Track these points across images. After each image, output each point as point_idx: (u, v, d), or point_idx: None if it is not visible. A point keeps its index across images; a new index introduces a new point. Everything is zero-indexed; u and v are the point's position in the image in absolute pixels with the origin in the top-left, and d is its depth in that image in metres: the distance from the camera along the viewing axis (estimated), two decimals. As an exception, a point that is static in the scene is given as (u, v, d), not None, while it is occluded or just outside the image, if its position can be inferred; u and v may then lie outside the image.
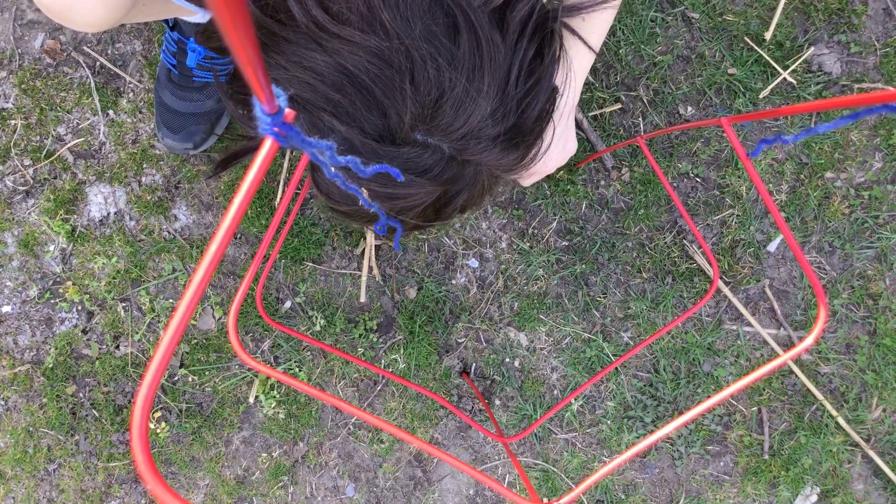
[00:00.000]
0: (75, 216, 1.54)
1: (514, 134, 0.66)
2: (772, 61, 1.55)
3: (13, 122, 1.51)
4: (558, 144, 1.00)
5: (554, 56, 0.68)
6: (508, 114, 0.65)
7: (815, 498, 1.66)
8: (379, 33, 0.58)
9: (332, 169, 0.54)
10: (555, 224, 1.59)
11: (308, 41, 0.59)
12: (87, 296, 1.55)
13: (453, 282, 1.59)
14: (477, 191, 0.71)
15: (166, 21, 1.34)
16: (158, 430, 1.57)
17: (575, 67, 0.95)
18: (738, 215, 1.59)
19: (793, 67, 1.55)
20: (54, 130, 1.51)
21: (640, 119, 1.56)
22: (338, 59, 0.59)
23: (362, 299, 1.58)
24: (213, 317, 1.57)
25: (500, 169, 0.70)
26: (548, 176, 1.56)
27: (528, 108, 0.66)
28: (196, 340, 1.57)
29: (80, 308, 1.56)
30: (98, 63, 1.51)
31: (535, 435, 1.63)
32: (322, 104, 0.61)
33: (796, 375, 1.63)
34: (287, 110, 0.40)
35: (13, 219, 1.53)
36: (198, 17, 1.31)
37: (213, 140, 1.49)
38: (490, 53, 0.62)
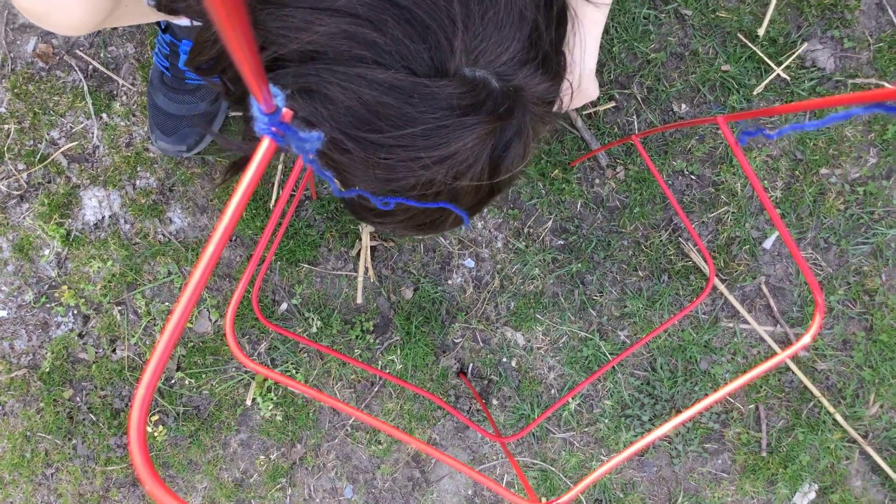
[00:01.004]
0: (70, 220, 1.53)
1: (547, 62, 0.64)
2: (765, 58, 1.55)
3: (6, 126, 1.50)
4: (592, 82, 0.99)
5: None
6: (540, 40, 0.62)
7: (813, 495, 1.67)
8: None
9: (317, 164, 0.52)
10: (550, 223, 1.59)
11: None
12: (83, 300, 1.55)
13: (449, 282, 1.59)
14: (524, 140, 0.67)
15: (158, 23, 1.34)
16: (156, 434, 1.56)
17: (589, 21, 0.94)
18: (733, 212, 1.59)
19: (786, 63, 1.55)
20: (48, 134, 1.51)
21: (635, 117, 1.57)
22: None
23: (359, 300, 1.58)
24: (210, 319, 1.57)
25: (542, 100, 0.66)
26: (542, 174, 1.56)
27: (553, 36, 0.64)
28: (192, 343, 1.57)
29: (75, 312, 1.55)
30: (91, 66, 1.50)
31: (533, 434, 1.63)
32: (362, 51, 0.56)
33: (793, 372, 1.63)
34: (284, 109, 0.40)
35: (8, 223, 1.53)
36: (185, 19, 1.30)
37: (207, 142, 1.49)
38: None
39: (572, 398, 1.63)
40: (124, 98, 1.52)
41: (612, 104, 1.55)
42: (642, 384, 1.63)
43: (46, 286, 1.55)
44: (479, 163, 0.64)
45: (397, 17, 0.55)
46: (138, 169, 1.53)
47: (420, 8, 0.55)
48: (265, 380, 1.58)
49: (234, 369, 1.58)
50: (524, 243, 1.58)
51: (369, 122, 0.58)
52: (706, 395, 1.63)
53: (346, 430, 1.61)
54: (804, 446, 1.64)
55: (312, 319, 1.56)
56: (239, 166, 0.74)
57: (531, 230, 1.59)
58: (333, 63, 0.56)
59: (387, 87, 0.57)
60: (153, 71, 1.44)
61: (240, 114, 1.52)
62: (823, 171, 1.59)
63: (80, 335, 1.56)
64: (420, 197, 0.66)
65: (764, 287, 1.62)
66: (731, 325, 1.63)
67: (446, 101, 0.58)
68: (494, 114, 0.61)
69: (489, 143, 0.63)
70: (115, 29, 1.50)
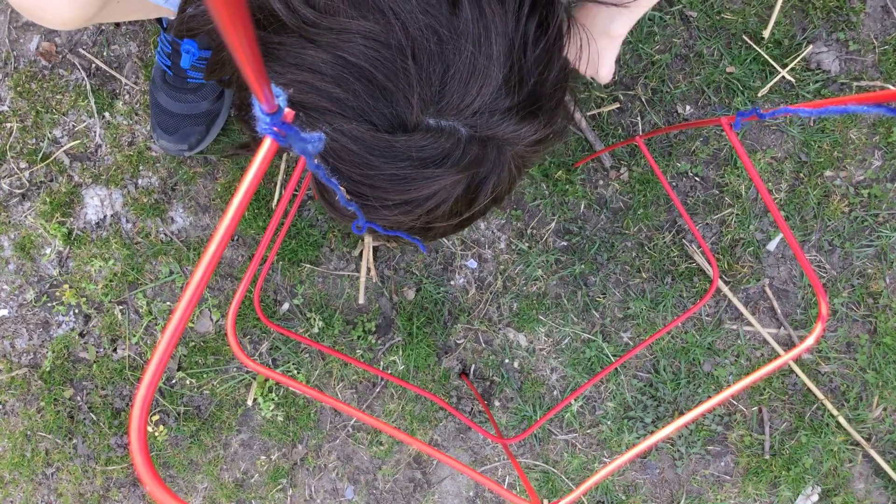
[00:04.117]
0: (72, 219, 1.53)
1: (531, 104, 0.63)
2: (770, 59, 1.55)
3: (9, 124, 1.50)
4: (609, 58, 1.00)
5: (560, 25, 0.65)
6: (523, 82, 0.62)
7: (816, 497, 1.66)
8: (372, 15, 0.56)
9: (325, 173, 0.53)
10: (553, 224, 1.58)
11: (301, 42, 0.57)
12: (84, 299, 1.54)
13: (452, 283, 1.59)
14: (505, 174, 0.67)
15: (160, 22, 1.34)
16: (156, 434, 1.56)
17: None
18: (737, 214, 1.58)
19: (791, 66, 1.55)
20: (50, 133, 1.51)
21: (639, 118, 1.56)
22: (334, 52, 0.57)
23: (361, 301, 1.57)
24: (211, 319, 1.57)
25: (522, 143, 0.66)
26: (545, 176, 1.55)
27: (541, 76, 0.63)
28: (194, 343, 1.56)
29: (77, 311, 1.55)
30: (94, 65, 1.50)
31: (535, 436, 1.62)
32: (326, 104, 0.59)
33: (797, 375, 1.63)
34: (286, 110, 0.39)
35: (9, 222, 1.53)
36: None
37: (209, 141, 1.49)
38: (493, 21, 0.58)
39: (575, 400, 1.62)
40: (127, 97, 1.51)
41: (617, 105, 1.55)
42: (645, 386, 1.62)
43: (48, 285, 1.55)
44: (447, 204, 0.66)
45: (357, 77, 0.57)
46: (140, 168, 1.53)
47: (377, 68, 0.57)
48: (266, 380, 1.58)
49: (235, 369, 1.58)
50: (527, 244, 1.58)
51: (338, 159, 0.61)
52: (709, 397, 1.62)
53: (348, 430, 1.61)
54: (807, 449, 1.64)
55: (314, 320, 1.56)
56: (246, 146, 0.76)
57: (534, 231, 1.58)
58: (303, 109, 0.59)
59: (350, 138, 0.59)
60: (155, 70, 1.44)
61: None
62: (828, 173, 1.59)
63: (81, 334, 1.56)
64: (395, 226, 0.70)
65: (768, 289, 1.61)
66: (734, 327, 1.62)
67: (405, 154, 0.60)
68: (460, 164, 0.62)
69: (459, 187, 0.65)
70: (118, 27, 1.50)
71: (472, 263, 1.59)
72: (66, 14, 0.90)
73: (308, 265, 1.56)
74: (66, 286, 1.54)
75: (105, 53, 1.50)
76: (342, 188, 0.63)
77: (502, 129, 0.62)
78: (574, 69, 0.71)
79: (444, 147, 0.61)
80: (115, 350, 1.56)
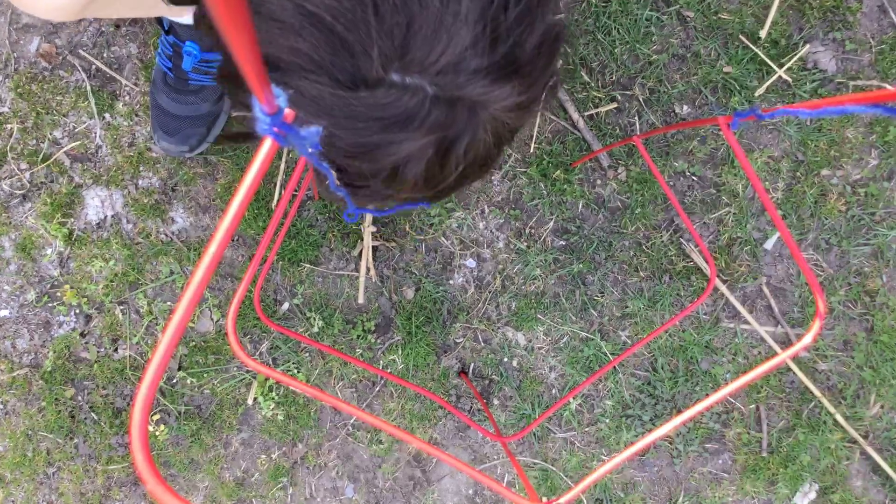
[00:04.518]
0: (72, 220, 1.53)
1: (506, 66, 0.59)
2: (767, 59, 1.55)
3: (9, 126, 1.50)
4: None
5: None
6: (497, 43, 0.58)
7: (813, 495, 1.67)
8: None
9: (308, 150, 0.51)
10: (552, 223, 1.59)
11: None
12: (85, 299, 1.55)
13: (451, 282, 1.59)
14: (480, 137, 0.63)
15: (161, 24, 1.34)
16: (157, 433, 1.57)
17: None
18: (734, 213, 1.59)
19: (788, 65, 1.55)
20: (50, 134, 1.51)
21: (636, 118, 1.57)
22: (297, 1, 0.54)
23: (360, 300, 1.58)
24: (212, 319, 1.57)
25: (496, 106, 0.62)
26: (543, 175, 1.56)
27: (521, 37, 0.59)
28: (194, 343, 1.57)
29: (77, 311, 1.56)
30: (94, 66, 1.51)
31: (534, 434, 1.63)
32: (289, 57, 0.56)
33: (794, 373, 1.63)
34: (286, 110, 0.40)
35: (10, 223, 1.53)
36: (186, 17, 1.31)
37: (210, 143, 1.49)
38: None
39: (573, 398, 1.63)
40: (127, 98, 1.52)
41: (614, 105, 1.56)
42: (643, 384, 1.63)
43: (49, 285, 1.55)
44: (419, 166, 0.62)
45: (317, 27, 0.55)
46: (141, 169, 1.53)
47: (337, 19, 0.54)
48: (267, 379, 1.59)
49: (235, 369, 1.58)
50: (526, 244, 1.58)
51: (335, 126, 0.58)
52: (707, 395, 1.63)
53: (348, 429, 1.61)
54: (805, 446, 1.64)
55: (314, 319, 1.57)
56: (236, 138, 0.75)
57: (533, 230, 1.59)
58: (279, 63, 0.57)
59: (312, 98, 0.57)
60: (156, 71, 1.44)
61: (242, 114, 1.52)
62: (825, 172, 1.59)
63: (82, 334, 1.56)
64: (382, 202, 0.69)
65: (765, 288, 1.62)
66: (732, 325, 1.63)
67: (367, 114, 0.58)
68: (427, 123, 0.59)
69: (429, 150, 0.61)
70: (118, 28, 1.50)
71: (471, 263, 1.59)
72: (58, 1, 0.89)
73: (308, 265, 1.57)
74: (66, 286, 1.54)
75: (105, 55, 1.51)
76: (333, 172, 0.62)
77: (471, 90, 0.59)
78: (567, 34, 0.68)
79: (409, 105, 0.58)
80: (115, 350, 1.57)
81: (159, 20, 1.34)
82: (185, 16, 1.29)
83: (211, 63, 1.39)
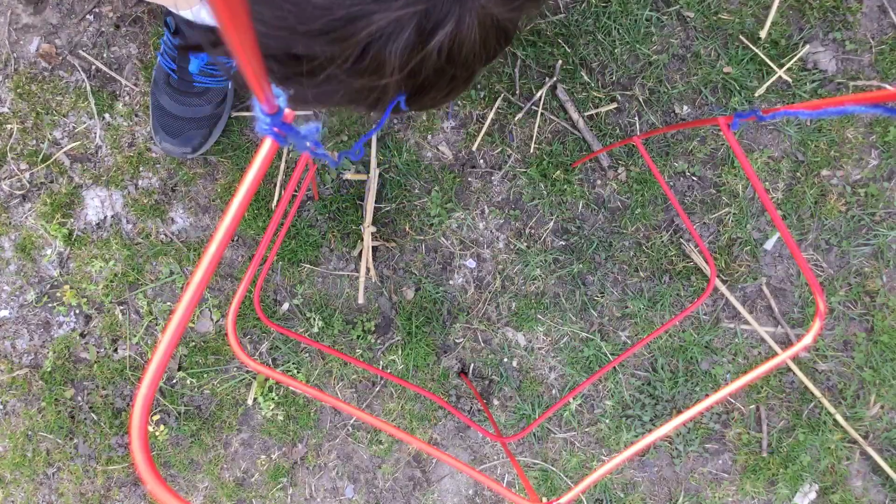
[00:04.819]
0: (72, 220, 1.53)
1: None
2: (767, 59, 1.55)
3: (9, 126, 1.50)
4: None
5: None
6: None
7: (813, 495, 1.67)
8: None
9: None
10: (552, 224, 1.59)
11: None
12: (85, 299, 1.55)
13: (451, 282, 1.59)
14: (465, 28, 0.58)
15: (167, 26, 1.34)
16: (157, 433, 1.57)
17: None
18: (734, 213, 1.59)
19: (788, 66, 1.55)
20: (50, 134, 1.51)
21: (636, 118, 1.57)
22: None
23: (360, 300, 1.58)
24: (211, 319, 1.57)
25: None
26: (543, 175, 1.56)
27: None
28: (194, 343, 1.57)
29: (77, 312, 1.56)
30: (94, 67, 1.51)
31: (534, 434, 1.63)
32: None
33: (794, 373, 1.63)
34: (287, 110, 0.40)
35: (10, 223, 1.53)
36: (188, 13, 1.30)
37: (212, 143, 1.49)
38: None
39: (573, 398, 1.63)
40: (127, 98, 1.52)
41: (614, 105, 1.56)
42: (643, 384, 1.63)
43: (48, 286, 1.55)
44: (396, 45, 0.56)
45: None
46: (140, 169, 1.53)
47: None
48: (266, 379, 1.59)
49: (235, 369, 1.58)
50: (525, 244, 1.58)
51: (276, 5, 0.55)
52: (707, 395, 1.63)
53: (348, 429, 1.61)
54: (805, 447, 1.64)
55: (314, 319, 1.57)
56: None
57: (532, 231, 1.59)
58: None
59: None
60: (157, 71, 1.44)
61: (244, 114, 1.53)
62: (825, 172, 1.59)
63: (82, 335, 1.56)
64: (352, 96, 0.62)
65: (765, 288, 1.62)
66: (732, 325, 1.63)
67: None
68: None
69: (408, 25, 0.56)
70: (119, 28, 1.50)
71: (471, 263, 1.59)
72: None
73: (308, 265, 1.57)
74: (66, 287, 1.54)
75: (105, 55, 1.51)
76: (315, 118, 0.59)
77: None
78: None
79: None
80: (115, 350, 1.57)
81: (166, 22, 1.34)
82: (192, 8, 1.29)
83: (217, 66, 1.39)
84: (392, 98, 0.64)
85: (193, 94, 1.42)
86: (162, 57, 1.40)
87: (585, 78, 1.55)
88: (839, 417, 1.63)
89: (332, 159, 0.60)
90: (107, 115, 1.52)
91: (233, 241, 1.57)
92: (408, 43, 0.56)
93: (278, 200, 1.54)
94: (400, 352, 1.60)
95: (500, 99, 1.55)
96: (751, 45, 1.55)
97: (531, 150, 1.56)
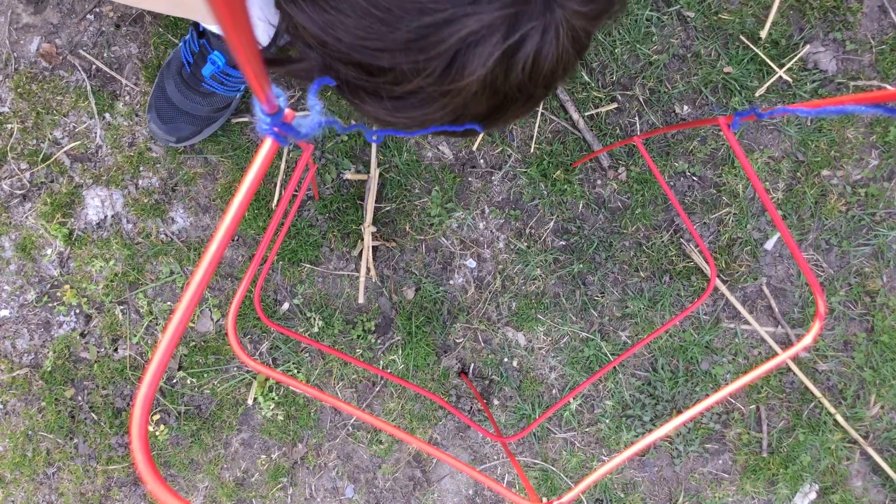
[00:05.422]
0: (72, 219, 1.53)
1: None
2: (767, 60, 1.55)
3: (9, 125, 1.50)
4: None
5: None
6: None
7: (813, 495, 1.67)
8: None
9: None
10: (552, 224, 1.59)
11: None
12: (85, 299, 1.55)
13: (451, 282, 1.59)
14: (551, 40, 0.57)
15: (196, 25, 1.34)
16: (157, 433, 1.57)
17: None
18: (734, 214, 1.59)
19: (788, 66, 1.55)
20: (51, 134, 1.51)
21: (637, 118, 1.57)
22: None
23: (360, 300, 1.58)
24: (212, 319, 1.57)
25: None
26: (544, 175, 1.56)
27: None
28: (194, 343, 1.57)
29: (77, 311, 1.56)
30: (94, 66, 1.51)
31: (534, 434, 1.63)
32: None
33: (794, 373, 1.63)
34: (287, 111, 0.40)
35: (10, 223, 1.53)
36: (216, 28, 1.31)
37: (198, 140, 1.49)
38: None
39: (573, 398, 1.63)
40: (127, 98, 1.52)
41: (615, 105, 1.56)
42: (643, 384, 1.63)
43: (49, 285, 1.55)
44: (483, 62, 0.56)
45: None
46: (141, 169, 1.53)
47: None
48: (267, 379, 1.59)
49: (235, 369, 1.58)
50: (526, 244, 1.58)
51: (366, 13, 0.54)
52: (707, 395, 1.63)
53: (348, 429, 1.61)
54: (805, 447, 1.64)
55: (314, 319, 1.57)
56: (278, 63, 0.66)
57: (533, 231, 1.59)
58: None
59: None
60: (174, 56, 1.44)
61: (244, 120, 1.53)
62: (825, 172, 1.59)
63: (82, 334, 1.56)
64: (424, 116, 0.61)
65: (765, 288, 1.62)
66: (732, 325, 1.63)
67: None
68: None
69: (496, 34, 0.55)
70: (119, 28, 1.50)
71: (471, 263, 1.59)
72: None
73: (308, 265, 1.57)
74: (67, 286, 1.54)
75: (105, 55, 1.51)
76: (368, 124, 0.58)
77: None
78: None
79: None
80: (115, 350, 1.57)
81: (195, 22, 1.34)
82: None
83: (231, 76, 1.40)
84: (469, 117, 0.64)
85: (198, 92, 1.42)
86: (184, 46, 1.40)
87: (586, 78, 1.55)
88: (839, 417, 1.63)
89: (340, 125, 0.59)
90: (107, 115, 1.52)
91: (233, 240, 1.57)
92: (493, 51, 0.56)
93: (278, 200, 1.54)
94: (400, 352, 1.60)
95: (500, 99, 1.55)
96: (751, 45, 1.55)
97: (531, 150, 1.56)
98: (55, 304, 1.55)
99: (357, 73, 0.59)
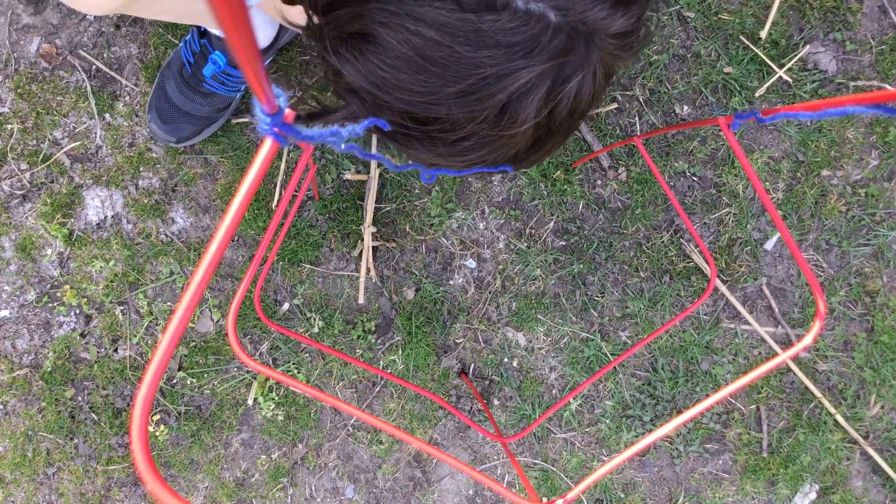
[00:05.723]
0: (72, 220, 1.53)
1: None
2: (767, 60, 1.55)
3: (10, 126, 1.50)
4: None
5: None
6: None
7: (813, 495, 1.67)
8: None
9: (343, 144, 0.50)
10: (552, 224, 1.59)
11: None
12: (85, 299, 1.55)
13: (451, 282, 1.59)
14: (589, 77, 0.61)
15: (197, 25, 1.34)
16: (157, 433, 1.57)
17: None
18: (734, 214, 1.59)
19: (788, 66, 1.55)
20: (51, 134, 1.51)
21: (637, 118, 1.57)
22: None
23: (360, 301, 1.58)
24: (212, 319, 1.57)
25: (610, 35, 0.60)
26: (544, 175, 1.56)
27: None
28: (194, 343, 1.57)
29: (78, 312, 1.56)
30: (94, 67, 1.51)
31: (534, 435, 1.63)
32: None
33: (794, 373, 1.63)
34: (287, 111, 0.40)
35: (10, 223, 1.53)
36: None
37: (198, 140, 1.49)
38: None
39: (573, 398, 1.63)
40: (127, 98, 1.52)
41: (615, 106, 1.56)
42: (643, 385, 1.63)
43: (49, 286, 1.55)
44: (532, 105, 0.60)
45: None
46: (141, 169, 1.53)
47: None
48: (267, 379, 1.59)
49: (235, 369, 1.58)
50: (526, 244, 1.58)
51: (421, 69, 0.56)
52: (707, 395, 1.63)
53: (348, 429, 1.61)
54: (805, 447, 1.64)
55: (314, 319, 1.57)
56: (318, 115, 0.69)
57: (533, 231, 1.59)
58: (384, 1, 0.55)
59: (435, 26, 0.55)
60: (175, 56, 1.44)
61: (244, 120, 1.53)
62: (825, 172, 1.59)
63: (82, 335, 1.56)
64: (470, 159, 0.64)
65: (765, 288, 1.62)
66: (732, 325, 1.63)
67: (493, 39, 0.56)
68: (548, 50, 0.57)
69: (544, 84, 0.59)
70: (119, 28, 1.50)
71: (472, 263, 1.59)
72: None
73: (308, 265, 1.57)
74: (67, 287, 1.54)
75: (105, 55, 1.51)
76: (388, 157, 0.61)
77: (593, 14, 0.58)
78: None
79: (533, 32, 0.56)
80: (116, 350, 1.57)
81: None
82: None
83: (232, 77, 1.40)
84: (513, 155, 0.67)
85: (199, 92, 1.42)
86: (185, 46, 1.41)
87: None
88: (839, 417, 1.63)
89: (380, 157, 0.60)
90: (107, 115, 1.52)
91: (233, 241, 1.57)
92: (541, 96, 0.59)
93: (278, 200, 1.54)
94: (400, 352, 1.60)
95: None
96: (751, 46, 1.55)
97: (531, 151, 1.56)
98: (55, 304, 1.55)
99: (405, 121, 0.62)
